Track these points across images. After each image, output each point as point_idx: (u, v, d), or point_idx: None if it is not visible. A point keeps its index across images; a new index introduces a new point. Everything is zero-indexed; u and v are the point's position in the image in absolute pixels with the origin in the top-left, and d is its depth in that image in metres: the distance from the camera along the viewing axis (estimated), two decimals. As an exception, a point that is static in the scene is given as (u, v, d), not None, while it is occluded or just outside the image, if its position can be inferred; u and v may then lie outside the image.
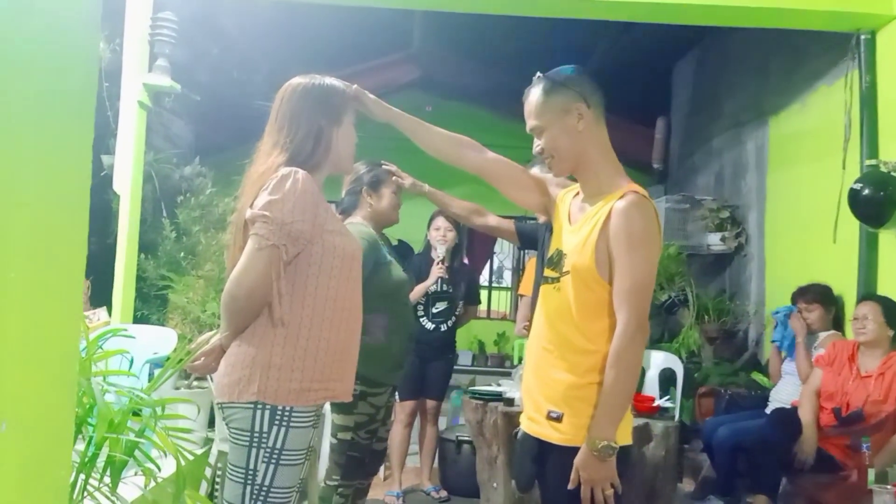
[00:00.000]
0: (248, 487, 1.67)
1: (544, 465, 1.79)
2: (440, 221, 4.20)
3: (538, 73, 1.81)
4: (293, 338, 1.71)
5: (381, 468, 4.48)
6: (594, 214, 1.74)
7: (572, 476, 1.69)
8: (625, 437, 1.74)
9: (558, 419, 1.72)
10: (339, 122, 1.85)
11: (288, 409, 1.69)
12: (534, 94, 1.79)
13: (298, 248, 1.71)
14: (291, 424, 1.69)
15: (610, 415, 1.68)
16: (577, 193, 1.88)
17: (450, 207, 2.76)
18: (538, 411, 1.79)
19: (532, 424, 1.81)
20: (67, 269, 0.94)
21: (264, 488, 1.67)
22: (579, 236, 1.76)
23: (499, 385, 4.15)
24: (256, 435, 1.67)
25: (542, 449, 1.78)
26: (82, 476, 1.52)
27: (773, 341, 4.07)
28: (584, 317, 1.73)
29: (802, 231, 4.36)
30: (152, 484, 1.65)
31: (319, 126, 1.81)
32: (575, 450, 1.69)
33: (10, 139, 0.81)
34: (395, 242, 3.31)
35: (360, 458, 2.68)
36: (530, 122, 1.80)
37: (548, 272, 1.84)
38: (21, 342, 0.85)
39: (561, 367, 1.75)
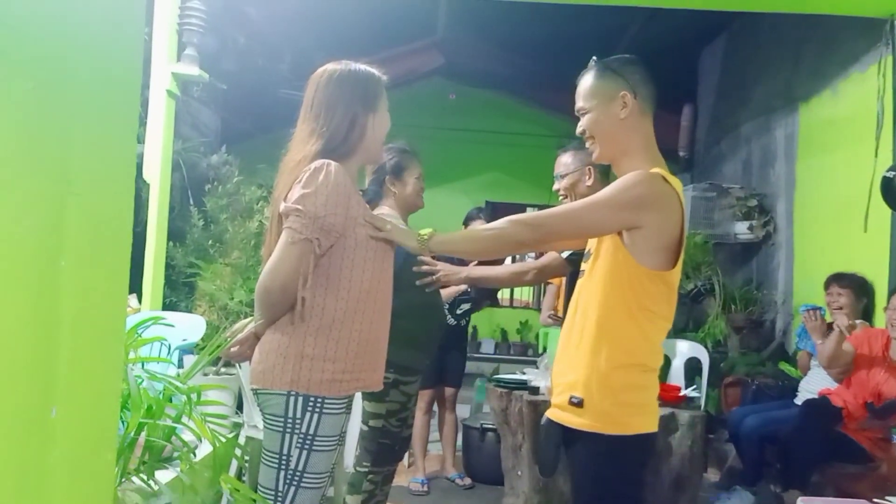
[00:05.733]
0: (283, 472, 1.70)
1: (568, 451, 1.80)
2: (478, 224, 4.22)
3: (594, 58, 1.83)
4: (326, 328, 1.72)
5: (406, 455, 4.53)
6: None
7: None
8: (649, 425, 1.74)
9: (579, 405, 1.73)
10: (375, 109, 1.84)
11: (321, 397, 1.71)
12: (586, 78, 1.82)
13: (331, 241, 1.73)
14: (324, 411, 1.71)
15: (451, 241, 1.87)
16: None
17: (494, 283, 2.83)
18: (561, 397, 1.80)
19: (556, 410, 1.83)
20: (114, 257, 0.96)
21: (298, 473, 1.70)
22: None
23: (523, 373, 4.16)
24: (290, 421, 1.70)
25: (566, 435, 1.79)
26: (122, 459, 1.55)
27: (798, 349, 4.05)
28: (606, 294, 1.73)
29: (832, 220, 4.30)
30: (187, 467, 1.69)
31: (355, 112, 1.80)
32: (596, 435, 1.70)
33: (62, 133, 0.83)
34: None
35: (391, 444, 2.70)
36: (577, 104, 1.83)
37: (583, 266, 1.86)
38: (71, 330, 0.86)
39: (585, 353, 1.75)
